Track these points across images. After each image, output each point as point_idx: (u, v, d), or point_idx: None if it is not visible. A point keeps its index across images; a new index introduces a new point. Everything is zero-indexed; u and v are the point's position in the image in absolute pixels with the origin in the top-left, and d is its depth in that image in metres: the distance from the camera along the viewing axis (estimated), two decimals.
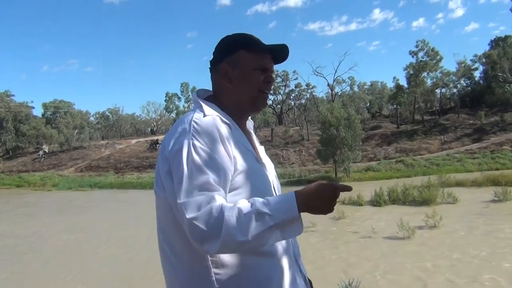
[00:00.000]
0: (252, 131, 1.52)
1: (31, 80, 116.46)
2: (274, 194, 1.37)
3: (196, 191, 1.15)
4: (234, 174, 1.25)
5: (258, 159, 1.40)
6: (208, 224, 1.10)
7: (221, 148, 1.23)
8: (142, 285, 8.71)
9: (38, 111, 61.88)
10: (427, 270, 8.39)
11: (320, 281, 8.13)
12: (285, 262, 1.34)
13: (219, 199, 1.15)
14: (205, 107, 1.32)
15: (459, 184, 19.48)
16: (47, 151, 48.59)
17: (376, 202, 16.15)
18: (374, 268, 8.73)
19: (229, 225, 1.10)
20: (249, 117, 1.51)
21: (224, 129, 1.27)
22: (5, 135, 51.43)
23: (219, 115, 1.31)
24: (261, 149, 1.50)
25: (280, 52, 1.45)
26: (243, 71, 1.38)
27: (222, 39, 1.45)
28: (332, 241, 11.42)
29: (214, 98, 1.41)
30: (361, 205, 16.27)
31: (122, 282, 9.01)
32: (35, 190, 33.04)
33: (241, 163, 1.27)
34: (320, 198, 1.17)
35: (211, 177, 1.18)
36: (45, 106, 59.80)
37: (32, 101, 60.36)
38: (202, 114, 1.28)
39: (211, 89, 1.47)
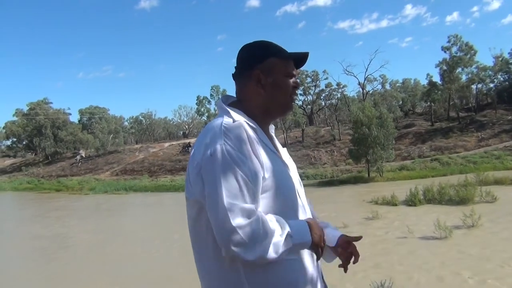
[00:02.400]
0: (273, 135, 1.55)
1: (67, 87, 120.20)
2: (297, 195, 1.43)
3: (236, 198, 1.21)
4: (265, 175, 1.29)
5: (284, 161, 1.45)
6: (250, 236, 1.19)
7: (252, 152, 1.27)
8: (169, 286, 8.86)
9: (74, 117, 63.92)
10: (465, 270, 8.17)
11: (353, 281, 8.06)
12: (310, 264, 1.39)
13: (258, 210, 1.25)
14: (232, 113, 1.36)
15: (498, 182, 18.87)
16: (84, 156, 50.03)
17: (411, 201, 15.82)
18: (409, 269, 8.57)
19: (267, 244, 1.22)
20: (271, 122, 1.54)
21: (251, 133, 1.32)
22: (44, 141, 53.36)
23: (246, 120, 1.35)
24: (283, 151, 1.53)
25: (302, 59, 1.51)
26: (276, 78, 1.43)
27: (245, 47, 1.49)
28: (366, 241, 11.28)
29: (239, 104, 1.45)
30: (395, 205, 15.99)
31: (149, 283, 9.18)
32: (73, 194, 34.07)
33: (269, 166, 1.32)
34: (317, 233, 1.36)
35: (247, 182, 1.23)
36: (81, 112, 61.72)
37: (69, 108, 61.87)
38: (231, 120, 1.32)
39: (234, 95, 1.51)
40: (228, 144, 1.24)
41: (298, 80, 1.52)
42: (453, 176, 22.13)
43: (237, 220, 1.18)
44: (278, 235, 1.24)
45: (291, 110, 1.51)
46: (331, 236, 1.50)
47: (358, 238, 1.50)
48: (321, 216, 1.60)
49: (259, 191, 1.27)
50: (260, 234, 1.20)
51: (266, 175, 1.30)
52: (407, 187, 16.83)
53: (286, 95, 1.45)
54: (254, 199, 1.24)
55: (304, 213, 1.44)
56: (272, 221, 1.25)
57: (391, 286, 6.58)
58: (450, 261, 8.81)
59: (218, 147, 1.24)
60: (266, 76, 1.43)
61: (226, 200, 1.19)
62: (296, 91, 1.49)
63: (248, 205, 1.21)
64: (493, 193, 14.93)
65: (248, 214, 1.20)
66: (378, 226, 12.81)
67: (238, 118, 1.34)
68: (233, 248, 1.19)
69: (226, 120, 1.32)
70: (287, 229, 1.26)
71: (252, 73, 1.44)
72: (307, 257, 1.38)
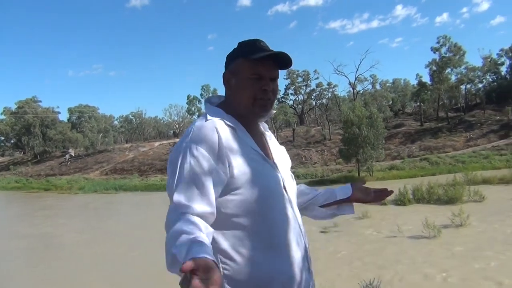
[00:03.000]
0: (266, 133, 1.54)
1: (57, 86, 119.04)
2: (284, 193, 1.40)
3: (179, 193, 1.23)
4: (232, 175, 1.29)
5: (266, 159, 1.40)
6: (165, 227, 1.19)
7: (217, 152, 1.28)
8: (157, 285, 8.81)
9: (64, 116, 63.37)
10: (453, 269, 8.24)
11: (342, 280, 8.09)
12: (296, 256, 1.36)
13: (197, 208, 1.21)
14: (210, 113, 1.39)
15: (486, 181, 19.06)
16: (73, 155, 49.67)
17: (400, 201, 15.92)
18: (397, 267, 8.62)
19: (168, 247, 1.09)
20: (260, 120, 1.51)
21: (226, 132, 1.33)
22: (33, 140, 52.85)
23: (223, 119, 1.36)
24: (278, 150, 1.52)
25: (281, 58, 1.42)
26: (239, 79, 1.42)
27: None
28: (355, 240, 11.33)
29: (225, 103, 1.46)
30: (385, 204, 16.01)
31: (139, 284, 9.13)
32: (62, 193, 33.75)
33: (241, 164, 1.31)
34: None
35: (199, 183, 1.24)
36: (70, 111, 61.19)
37: (58, 107, 61.56)
38: (204, 119, 1.35)
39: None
40: (192, 144, 1.28)
41: (273, 82, 1.44)
42: (442, 175, 22.29)
43: (171, 206, 1.23)
44: (172, 247, 1.06)
45: (262, 111, 1.43)
46: (345, 189, 1.66)
47: (364, 182, 1.72)
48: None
49: (219, 189, 1.28)
50: (168, 232, 1.14)
51: (237, 173, 1.29)
52: (397, 187, 16.88)
53: (249, 96, 1.39)
54: (201, 196, 1.23)
55: (291, 213, 1.40)
56: (190, 231, 1.09)
57: (379, 285, 6.62)
58: (438, 260, 8.87)
59: (183, 146, 1.29)
60: (232, 77, 1.43)
61: (175, 194, 1.23)
62: (265, 94, 1.41)
63: (183, 201, 1.21)
64: (481, 193, 15.08)
65: (176, 207, 1.21)
66: (367, 225, 12.86)
67: (213, 118, 1.36)
68: None
69: (199, 122, 1.35)
70: (181, 251, 1.01)
71: (223, 74, 1.47)
72: (294, 249, 1.36)
